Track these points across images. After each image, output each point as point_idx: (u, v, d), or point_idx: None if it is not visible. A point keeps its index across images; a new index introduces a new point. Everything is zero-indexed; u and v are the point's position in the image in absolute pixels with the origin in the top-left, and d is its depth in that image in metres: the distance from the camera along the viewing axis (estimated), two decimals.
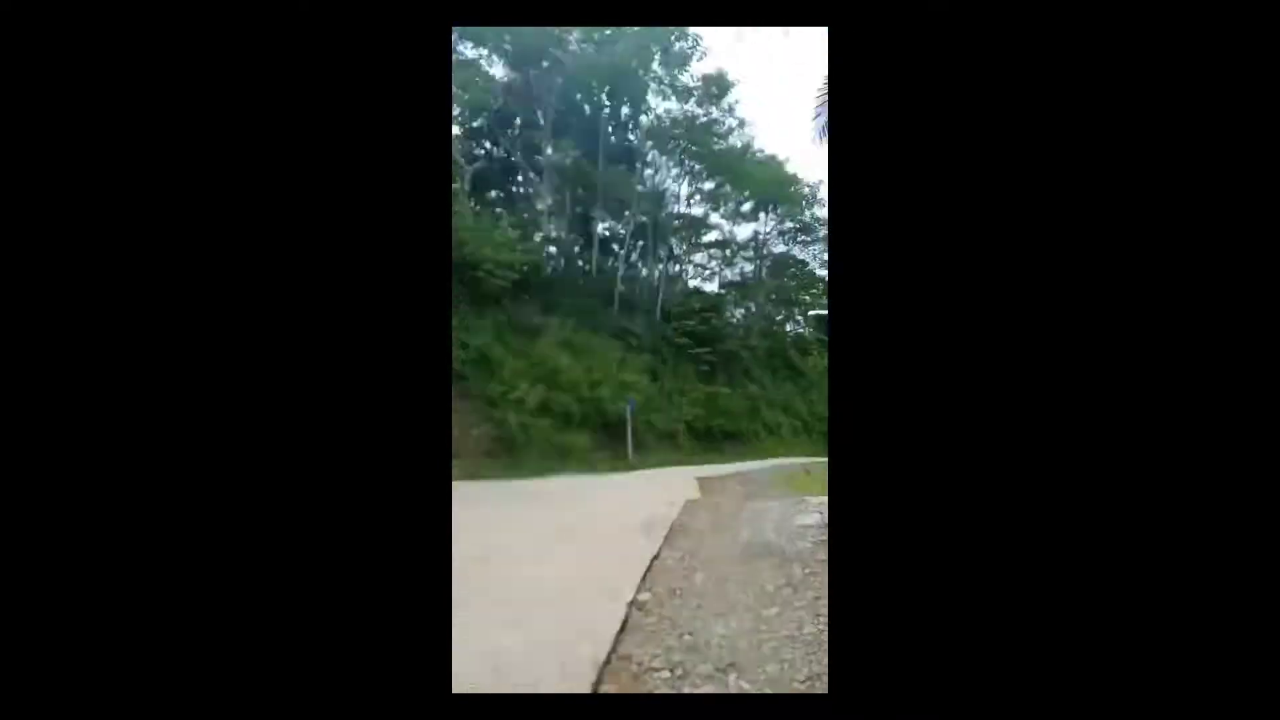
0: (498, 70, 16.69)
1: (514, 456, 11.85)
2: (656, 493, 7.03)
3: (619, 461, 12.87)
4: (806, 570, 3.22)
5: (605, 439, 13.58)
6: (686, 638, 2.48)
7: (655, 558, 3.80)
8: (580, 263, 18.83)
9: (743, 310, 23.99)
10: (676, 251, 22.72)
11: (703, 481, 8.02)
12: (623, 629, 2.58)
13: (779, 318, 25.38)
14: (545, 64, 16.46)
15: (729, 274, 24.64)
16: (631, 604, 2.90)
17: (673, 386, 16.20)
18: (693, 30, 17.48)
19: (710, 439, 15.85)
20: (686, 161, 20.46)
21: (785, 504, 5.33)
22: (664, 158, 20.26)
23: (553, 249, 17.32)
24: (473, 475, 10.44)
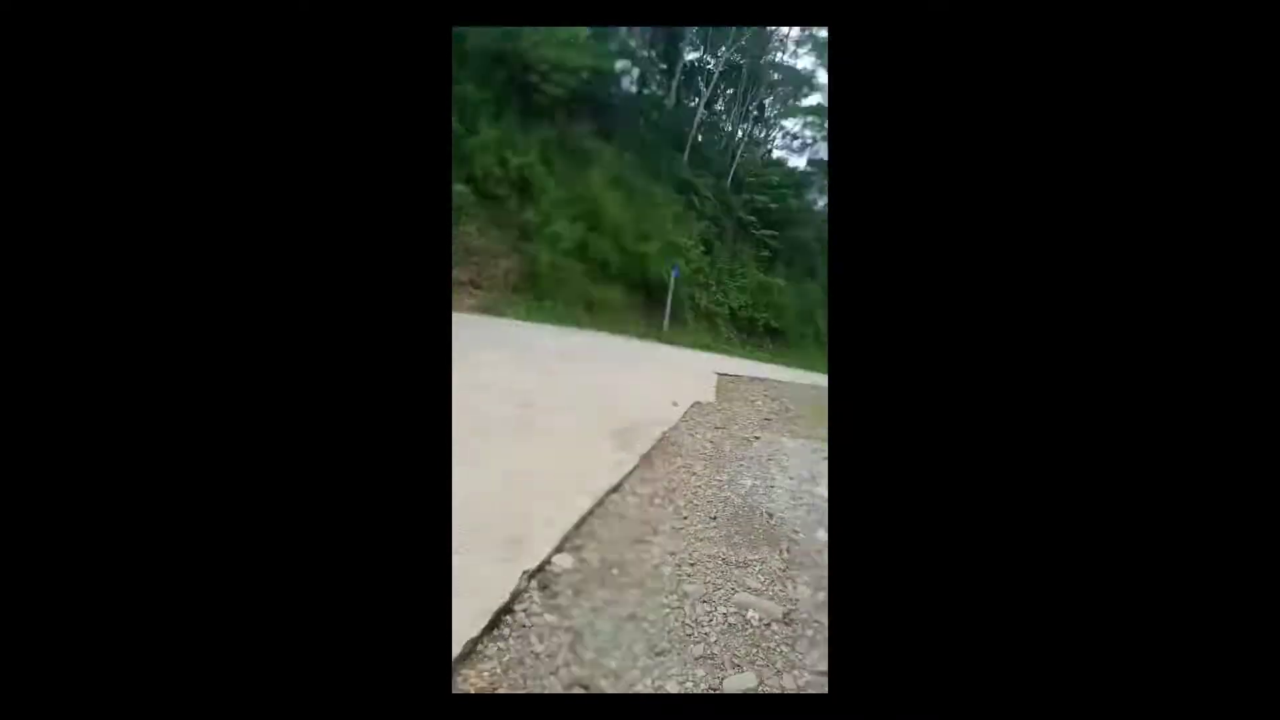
0: None
1: (539, 298, 10.90)
2: (666, 381, 5.91)
3: (649, 330, 11.80)
4: (820, 592, 2.05)
5: (640, 301, 12.41)
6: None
7: (614, 489, 2.72)
8: (658, 90, 15.92)
9: (826, 201, 20.85)
10: (768, 111, 19.21)
11: (723, 381, 6.84)
12: (483, 635, 1.52)
13: None
14: None
15: (820, 150, 20.96)
16: (533, 576, 1.83)
17: (726, 265, 14.49)
18: None
19: (752, 332, 14.50)
20: None
21: (813, 452, 4.11)
22: None
23: (626, 62, 14.41)
24: (490, 309, 9.63)
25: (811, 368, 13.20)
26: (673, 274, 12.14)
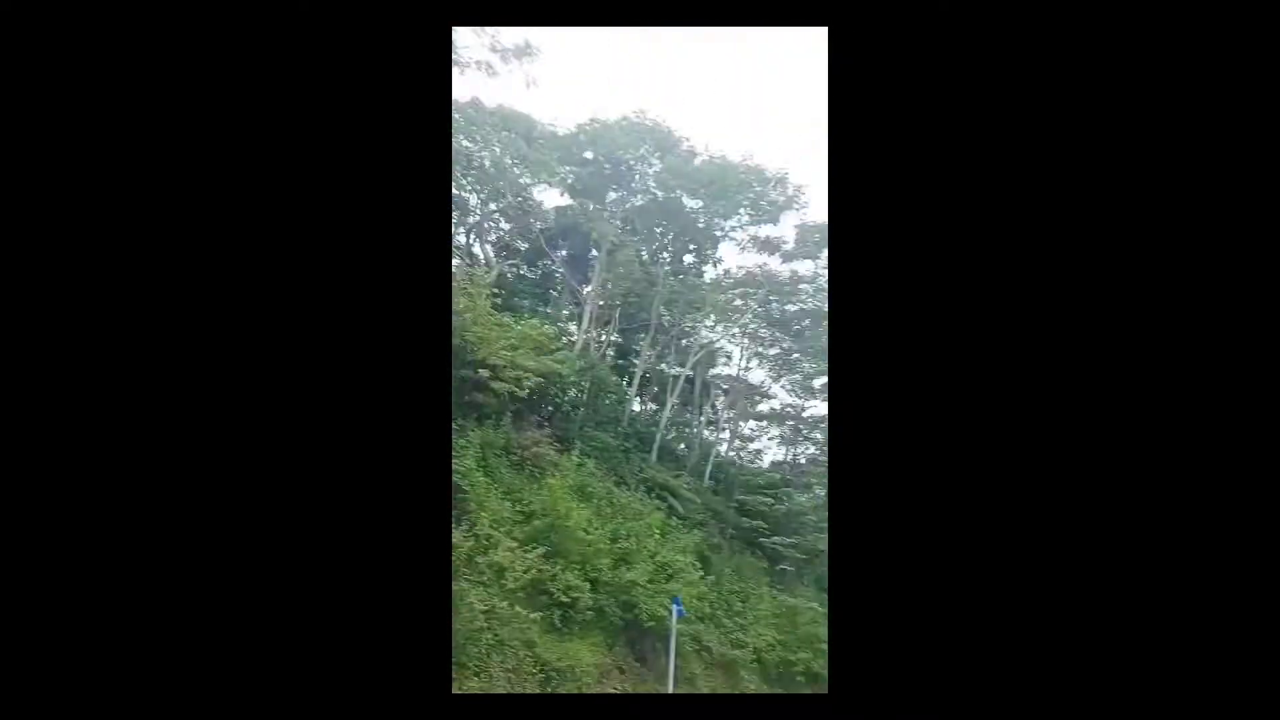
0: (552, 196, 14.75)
1: (467, 667, 6.72)
2: None
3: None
4: None
5: (627, 654, 8.31)
6: None
7: None
8: (615, 398, 14.57)
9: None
10: (721, 417, 18.61)
11: None
12: None
13: None
14: (610, 199, 14.66)
15: (796, 452, 19.85)
16: None
17: (734, 587, 10.87)
18: (796, 181, 14.51)
19: (787, 680, 10.00)
20: (750, 324, 16.80)
21: None
22: (721, 325, 16.74)
23: (580, 364, 12.86)
24: None
25: None
26: (675, 612, 8.34)
